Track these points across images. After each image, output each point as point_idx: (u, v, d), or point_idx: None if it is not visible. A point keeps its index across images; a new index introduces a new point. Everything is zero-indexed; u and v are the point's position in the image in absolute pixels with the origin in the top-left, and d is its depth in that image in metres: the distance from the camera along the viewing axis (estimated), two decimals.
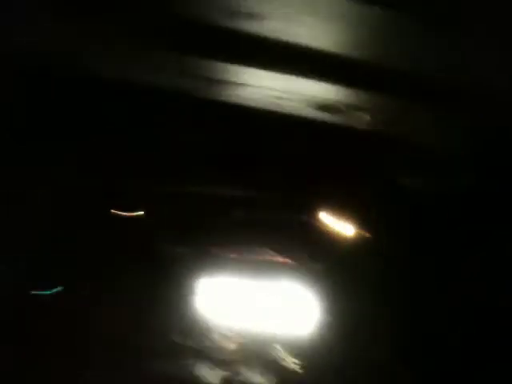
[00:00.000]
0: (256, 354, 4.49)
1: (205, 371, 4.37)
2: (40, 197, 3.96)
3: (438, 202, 3.02)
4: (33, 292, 4.40)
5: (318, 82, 2.11)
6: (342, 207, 3.80)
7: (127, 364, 4.12)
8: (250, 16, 1.70)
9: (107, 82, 2.43)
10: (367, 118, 2.34)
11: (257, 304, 4.74)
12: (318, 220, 4.18)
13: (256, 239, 4.63)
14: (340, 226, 3.98)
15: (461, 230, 3.16)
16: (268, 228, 4.37)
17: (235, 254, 4.86)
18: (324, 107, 2.33)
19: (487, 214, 2.86)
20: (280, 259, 4.71)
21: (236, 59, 2.04)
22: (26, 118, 2.91)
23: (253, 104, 2.45)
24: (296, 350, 4.44)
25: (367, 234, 3.93)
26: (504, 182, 2.59)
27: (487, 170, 2.56)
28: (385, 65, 1.98)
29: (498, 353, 3.12)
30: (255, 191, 3.84)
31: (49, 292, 4.63)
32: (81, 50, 2.10)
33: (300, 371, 4.27)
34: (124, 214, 4.69)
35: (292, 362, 4.38)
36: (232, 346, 4.70)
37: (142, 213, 4.75)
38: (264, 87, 2.26)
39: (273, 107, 2.45)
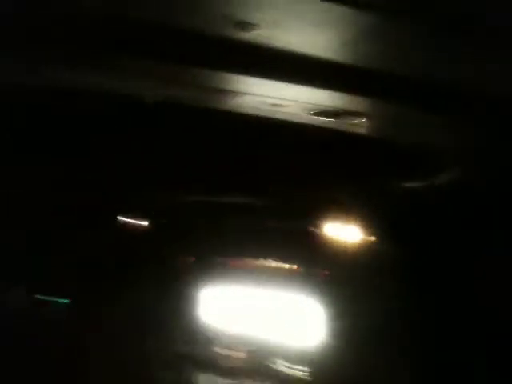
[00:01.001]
0: (260, 363, 4.47)
1: (209, 381, 4.36)
2: (43, 206, 3.99)
3: (436, 201, 3.02)
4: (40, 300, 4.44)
5: (313, 88, 2.11)
6: (342, 212, 3.79)
7: (131, 373, 4.14)
8: (243, 24, 1.71)
9: (104, 94, 2.45)
10: (363, 122, 2.34)
11: (261, 313, 4.72)
12: (320, 226, 4.17)
13: (259, 247, 4.63)
14: (342, 231, 3.97)
15: (466, 227, 3.15)
16: (271, 236, 4.37)
17: (239, 262, 4.86)
18: (320, 113, 2.33)
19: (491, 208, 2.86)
20: (284, 267, 4.70)
21: (230, 68, 2.05)
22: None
23: (249, 112, 2.46)
24: (300, 358, 4.42)
25: (370, 238, 3.92)
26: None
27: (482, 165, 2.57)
28: (379, 69, 1.98)
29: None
30: (256, 199, 3.84)
31: (55, 301, 4.66)
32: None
33: (305, 380, 4.25)
34: (129, 221, 4.71)
35: (296, 372, 4.36)
36: (236, 355, 4.68)
37: (147, 223, 4.77)
38: (259, 95, 2.26)
39: (269, 114, 2.45)
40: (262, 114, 2.41)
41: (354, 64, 1.95)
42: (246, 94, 2.22)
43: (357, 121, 2.30)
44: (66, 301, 4.68)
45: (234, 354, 4.70)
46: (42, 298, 4.63)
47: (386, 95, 2.04)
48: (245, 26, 1.71)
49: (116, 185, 3.61)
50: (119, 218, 4.74)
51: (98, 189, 3.75)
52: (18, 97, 2.49)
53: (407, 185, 3.06)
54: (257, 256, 4.77)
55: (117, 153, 3.04)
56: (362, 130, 2.48)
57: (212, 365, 4.54)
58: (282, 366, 4.40)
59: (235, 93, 2.23)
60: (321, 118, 2.32)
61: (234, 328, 4.77)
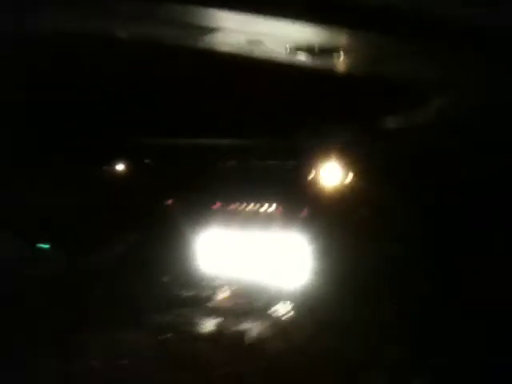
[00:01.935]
0: (250, 302, 4.55)
1: (200, 320, 4.45)
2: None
3: (420, 138, 3.00)
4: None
5: (291, 23, 2.04)
6: (326, 152, 3.76)
7: (126, 316, 4.21)
8: None
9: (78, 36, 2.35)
10: (342, 58, 2.28)
11: (250, 253, 4.77)
12: (305, 167, 4.15)
13: (247, 189, 4.62)
14: (328, 171, 3.95)
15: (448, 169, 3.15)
16: (258, 177, 4.36)
17: (227, 204, 4.86)
18: (300, 49, 2.26)
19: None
20: (271, 208, 4.71)
21: (206, 2, 1.97)
22: None
23: (227, 49, 2.38)
24: (289, 297, 4.49)
25: (355, 179, 3.90)
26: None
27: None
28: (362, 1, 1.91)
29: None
30: (240, 140, 3.80)
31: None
32: None
33: (293, 318, 4.33)
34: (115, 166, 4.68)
35: (285, 310, 4.44)
36: (226, 295, 4.76)
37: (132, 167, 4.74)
38: (235, 30, 2.19)
39: (248, 52, 2.38)
40: (238, 51, 2.33)
41: None
42: (221, 29, 2.14)
43: (335, 57, 2.24)
44: (46, 246, 4.70)
45: (223, 293, 4.78)
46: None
47: (365, 27, 1.97)
48: None
49: (93, 128, 3.56)
50: (106, 162, 4.71)
51: (82, 134, 3.69)
52: None
53: (391, 123, 3.02)
54: (244, 197, 4.76)
55: (93, 95, 2.97)
56: (342, 67, 2.41)
57: (202, 304, 4.62)
58: (271, 305, 4.48)
59: (211, 29, 2.15)
60: (299, 55, 2.25)
61: (223, 268, 4.82)
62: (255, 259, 4.75)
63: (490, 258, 3.21)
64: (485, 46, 2.01)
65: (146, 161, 4.56)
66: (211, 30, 2.19)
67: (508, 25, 1.90)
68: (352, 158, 3.72)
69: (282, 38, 2.19)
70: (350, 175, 3.91)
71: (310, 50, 2.22)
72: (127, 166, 4.73)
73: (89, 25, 2.26)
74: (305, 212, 4.47)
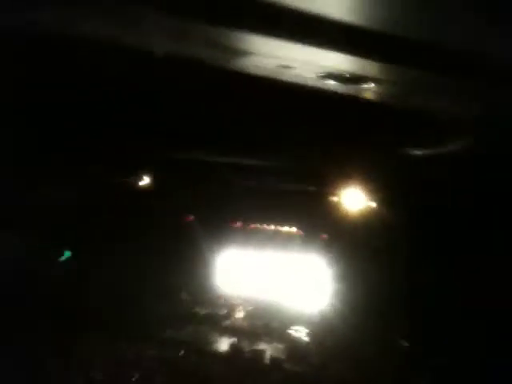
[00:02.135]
0: (266, 324, 4.54)
1: (214, 338, 4.44)
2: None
3: (441, 168, 2.99)
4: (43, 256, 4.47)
5: (325, 51, 2.06)
6: (350, 178, 3.77)
7: (138, 331, 4.21)
8: None
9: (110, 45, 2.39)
10: (372, 87, 2.29)
11: (268, 274, 4.77)
12: (327, 190, 4.16)
13: (266, 210, 4.64)
14: (349, 196, 3.96)
15: (466, 196, 3.13)
16: (279, 199, 4.37)
17: (246, 224, 4.88)
18: (328, 76, 2.28)
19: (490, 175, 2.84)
20: (291, 230, 4.71)
21: (241, 25, 2.00)
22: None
23: (258, 72, 2.41)
24: (305, 318, 4.48)
25: (375, 204, 3.91)
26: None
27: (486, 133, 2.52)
28: (391, 33, 1.92)
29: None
30: (265, 161, 3.82)
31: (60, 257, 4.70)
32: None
33: (308, 339, 4.31)
34: (132, 179, 4.70)
35: (300, 331, 4.42)
36: (242, 315, 4.76)
37: (151, 181, 4.77)
38: (267, 55, 2.21)
39: (279, 76, 2.40)
40: (268, 74, 2.35)
41: (364, 26, 1.89)
42: (253, 53, 2.17)
43: (366, 86, 2.25)
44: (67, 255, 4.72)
45: (240, 312, 4.78)
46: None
47: (396, 59, 1.99)
48: None
49: (119, 141, 3.59)
50: (121, 175, 4.74)
51: (99, 144, 3.72)
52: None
53: (415, 152, 3.02)
54: (264, 218, 4.78)
55: (120, 109, 3.01)
56: (371, 96, 2.43)
57: (218, 322, 4.62)
58: (287, 325, 4.47)
59: (245, 52, 2.18)
60: (329, 82, 2.27)
61: (241, 288, 4.82)
62: (273, 280, 4.75)
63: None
64: None
65: (169, 175, 4.59)
66: (243, 53, 2.22)
67: None
68: (374, 186, 3.73)
69: (312, 64, 2.21)
70: (371, 202, 3.92)
71: (339, 77, 2.24)
72: (150, 180, 4.76)
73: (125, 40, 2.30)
74: (324, 236, 4.47)
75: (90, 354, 3.94)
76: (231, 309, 4.87)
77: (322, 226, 4.43)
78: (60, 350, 3.84)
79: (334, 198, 4.09)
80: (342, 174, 3.68)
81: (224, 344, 4.34)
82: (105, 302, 4.23)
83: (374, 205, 3.93)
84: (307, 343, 4.31)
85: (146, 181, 4.76)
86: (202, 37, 2.18)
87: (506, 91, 2.12)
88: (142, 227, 4.71)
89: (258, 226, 4.91)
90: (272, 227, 4.80)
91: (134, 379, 3.72)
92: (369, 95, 2.44)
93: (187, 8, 1.92)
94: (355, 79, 2.23)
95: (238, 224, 4.94)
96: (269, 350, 4.17)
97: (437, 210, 3.44)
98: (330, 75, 2.22)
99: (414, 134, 2.95)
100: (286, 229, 4.76)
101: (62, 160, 3.84)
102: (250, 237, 4.95)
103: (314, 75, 2.26)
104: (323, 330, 4.32)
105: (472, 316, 3.22)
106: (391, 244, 3.82)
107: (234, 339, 4.39)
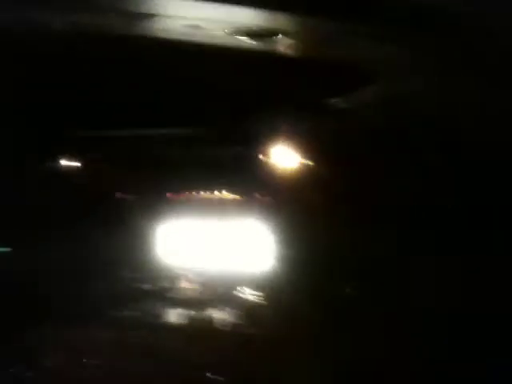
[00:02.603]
0: (217, 292, 4.52)
1: (163, 311, 4.40)
2: None
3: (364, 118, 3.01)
4: None
5: (235, 7, 2.01)
6: (277, 136, 3.74)
7: (89, 313, 4.13)
8: None
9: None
10: (288, 41, 2.25)
11: (211, 243, 4.74)
12: (258, 152, 4.13)
13: (201, 178, 4.58)
14: (281, 155, 3.94)
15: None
16: (211, 165, 4.32)
17: (184, 194, 4.81)
18: (241, 33, 2.23)
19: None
20: (228, 196, 4.68)
21: None
22: None
23: (166, 36, 2.32)
24: (255, 284, 4.49)
25: (308, 162, 3.91)
26: None
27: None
28: None
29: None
30: (189, 129, 3.75)
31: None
32: None
33: (261, 305, 4.33)
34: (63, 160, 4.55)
35: (253, 297, 4.43)
36: (193, 287, 4.73)
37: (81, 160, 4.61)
38: (175, 16, 2.14)
39: (187, 37, 2.32)
40: (176, 37, 2.27)
41: None
42: (156, 15, 2.09)
43: (277, 39, 2.21)
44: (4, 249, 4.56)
45: (190, 285, 4.74)
46: None
47: (303, 10, 1.95)
48: None
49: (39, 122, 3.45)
50: (53, 156, 4.57)
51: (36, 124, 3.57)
52: None
53: (335, 103, 3.01)
54: (200, 186, 4.72)
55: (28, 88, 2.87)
56: (286, 50, 2.39)
57: (169, 297, 4.57)
58: (239, 293, 4.47)
59: (145, 15, 2.09)
60: (240, 38, 2.22)
61: (188, 260, 4.78)
62: (215, 247, 4.73)
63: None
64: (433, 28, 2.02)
65: (91, 155, 4.43)
66: (147, 17, 2.13)
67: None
68: (302, 141, 3.72)
69: (220, 22, 2.15)
70: (301, 159, 3.91)
71: (249, 32, 2.19)
72: (71, 162, 4.59)
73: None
74: (262, 197, 4.46)
75: (34, 341, 3.84)
76: (174, 280, 4.83)
77: (257, 187, 4.40)
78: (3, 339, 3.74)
79: (265, 158, 4.06)
80: (267, 134, 3.65)
81: (171, 315, 4.32)
82: (44, 289, 4.12)
83: (304, 161, 3.92)
84: (257, 305, 4.33)
85: (72, 162, 4.60)
86: (101, 4, 2.08)
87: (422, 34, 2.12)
88: (75, 210, 4.56)
89: (195, 194, 4.85)
90: (209, 194, 4.75)
91: (84, 361, 3.67)
92: (284, 49, 2.40)
93: None
94: (266, 33, 2.18)
95: (175, 195, 4.87)
96: (218, 315, 4.17)
97: (368, 160, 3.45)
98: (239, 31, 2.16)
99: (337, 86, 2.93)
100: (222, 195, 4.72)
101: None
102: (188, 207, 4.89)
103: (222, 33, 2.19)
104: (272, 292, 4.35)
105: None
106: (329, 198, 3.84)
107: (180, 310, 4.37)
